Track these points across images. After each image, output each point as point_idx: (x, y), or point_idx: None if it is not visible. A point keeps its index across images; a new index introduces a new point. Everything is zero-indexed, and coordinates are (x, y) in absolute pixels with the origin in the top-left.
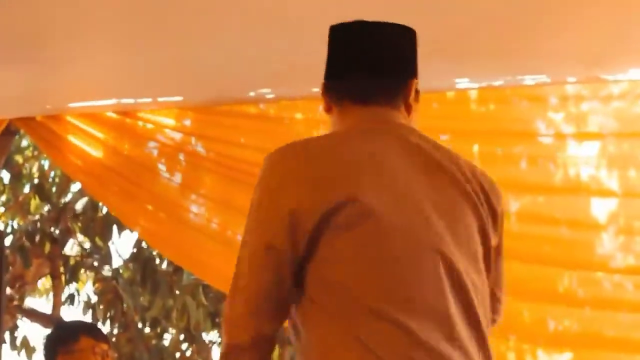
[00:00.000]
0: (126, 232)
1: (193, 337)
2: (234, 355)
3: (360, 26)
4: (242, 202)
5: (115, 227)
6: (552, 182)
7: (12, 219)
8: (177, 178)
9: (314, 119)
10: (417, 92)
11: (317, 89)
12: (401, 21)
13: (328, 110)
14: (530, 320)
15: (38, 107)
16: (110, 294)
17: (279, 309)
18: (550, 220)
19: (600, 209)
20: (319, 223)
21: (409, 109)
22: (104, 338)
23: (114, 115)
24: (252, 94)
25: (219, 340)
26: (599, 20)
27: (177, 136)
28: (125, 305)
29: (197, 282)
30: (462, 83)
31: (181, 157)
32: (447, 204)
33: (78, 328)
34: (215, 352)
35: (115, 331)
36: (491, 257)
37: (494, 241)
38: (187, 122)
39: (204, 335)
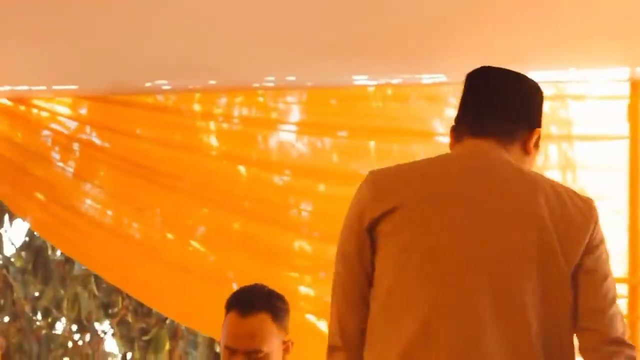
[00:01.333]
0: (18, 220)
1: (85, 327)
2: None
3: (482, 69)
4: (137, 194)
5: (6, 215)
6: None
7: None
8: (71, 168)
9: (210, 112)
10: (537, 141)
11: (214, 82)
12: (299, 18)
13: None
14: None
15: None
16: (0, 283)
17: (362, 310)
18: None
19: None
20: (371, 233)
21: (527, 152)
22: None
23: (7, 102)
24: (148, 84)
25: (111, 330)
26: (498, 22)
27: (72, 125)
28: (15, 294)
29: (89, 272)
30: (360, 80)
31: (76, 146)
32: (503, 231)
33: None
34: (108, 343)
35: (7, 320)
36: (565, 285)
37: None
38: (83, 111)
39: (96, 325)
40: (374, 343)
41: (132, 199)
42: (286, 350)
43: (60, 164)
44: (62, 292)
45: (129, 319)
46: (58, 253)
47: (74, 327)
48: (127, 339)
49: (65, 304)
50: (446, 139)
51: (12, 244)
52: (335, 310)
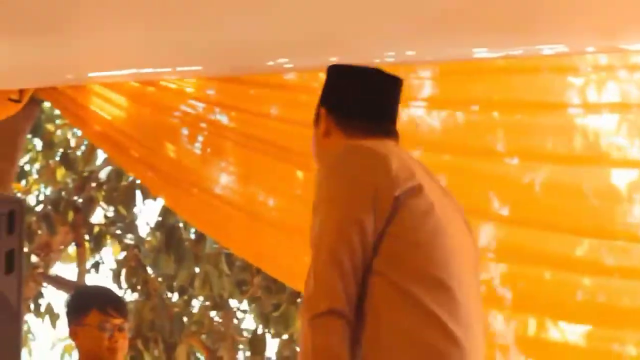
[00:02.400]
0: (150, 201)
1: (219, 305)
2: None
3: (377, 73)
4: (265, 173)
5: (139, 196)
6: (576, 152)
7: (45, 187)
8: (200, 148)
9: None
10: None
11: (335, 59)
12: None
13: (326, 134)
14: (553, 290)
15: (58, 77)
16: (133, 262)
17: (355, 283)
18: (574, 190)
19: (625, 178)
20: (394, 204)
21: None
22: (119, 312)
23: (136, 85)
24: (270, 63)
25: (245, 307)
26: None
27: (200, 106)
28: (148, 273)
29: (219, 251)
30: (480, 53)
31: (204, 126)
32: (455, 218)
33: (90, 301)
34: (242, 319)
35: (140, 299)
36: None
37: None
38: (211, 92)
39: (231, 302)
40: (387, 319)
41: (263, 178)
42: None
43: (189, 145)
44: (195, 270)
45: (262, 295)
46: (191, 232)
47: (210, 305)
48: (260, 316)
49: (197, 283)
50: (573, 110)
51: (147, 224)
52: (341, 273)
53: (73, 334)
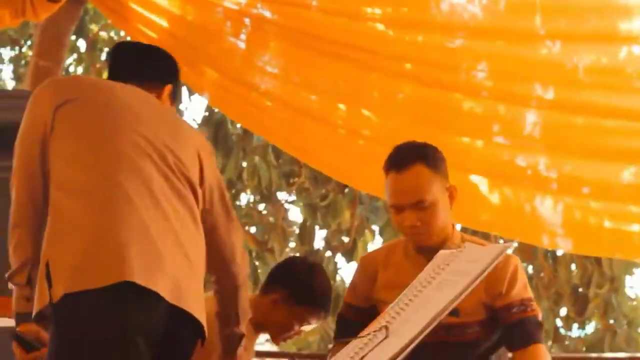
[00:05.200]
0: (197, 96)
1: (267, 197)
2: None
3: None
4: (308, 65)
5: (185, 91)
6: (619, 34)
7: None
8: (243, 43)
9: None
10: None
11: None
12: None
13: None
14: (598, 171)
15: None
16: None
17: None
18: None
19: None
20: (54, 113)
21: None
22: None
23: None
24: None
25: (293, 199)
26: None
27: (242, 1)
28: None
29: (267, 143)
30: None
31: (247, 22)
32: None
33: None
34: (292, 212)
35: None
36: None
37: None
38: None
39: (278, 195)
40: (63, 214)
41: (304, 70)
42: (451, 196)
43: (233, 40)
44: (243, 164)
45: (309, 186)
46: (238, 126)
47: (258, 198)
48: (308, 207)
49: (245, 175)
50: None
51: (194, 119)
52: (26, 185)
53: None
